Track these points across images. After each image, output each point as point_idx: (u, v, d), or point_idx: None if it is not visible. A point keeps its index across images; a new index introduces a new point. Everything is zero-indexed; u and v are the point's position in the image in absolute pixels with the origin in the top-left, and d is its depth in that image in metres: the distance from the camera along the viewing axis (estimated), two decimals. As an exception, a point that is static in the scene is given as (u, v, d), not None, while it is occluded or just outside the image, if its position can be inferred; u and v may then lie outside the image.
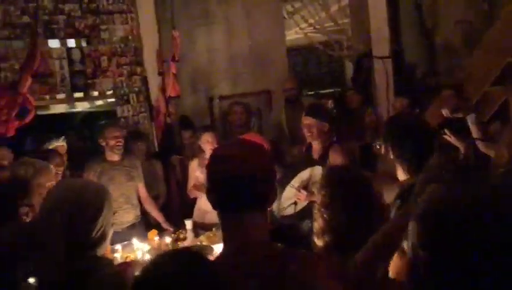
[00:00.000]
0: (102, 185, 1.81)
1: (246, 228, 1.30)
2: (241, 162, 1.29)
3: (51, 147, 3.81)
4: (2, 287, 0.80)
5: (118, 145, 3.91)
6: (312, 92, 8.61)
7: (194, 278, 1.08)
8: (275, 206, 3.34)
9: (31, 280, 1.14)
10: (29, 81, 3.60)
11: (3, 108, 3.36)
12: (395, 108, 4.12)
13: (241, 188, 1.27)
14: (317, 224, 1.79)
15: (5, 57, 4.43)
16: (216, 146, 4.10)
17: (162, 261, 1.15)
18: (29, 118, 3.65)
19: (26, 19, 4.51)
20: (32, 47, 3.74)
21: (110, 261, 1.78)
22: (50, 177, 2.71)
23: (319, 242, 1.78)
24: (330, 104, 6.83)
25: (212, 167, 1.36)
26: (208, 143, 4.09)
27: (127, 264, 2.78)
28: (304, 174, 3.36)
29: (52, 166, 2.92)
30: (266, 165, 1.34)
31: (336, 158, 3.50)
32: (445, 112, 2.51)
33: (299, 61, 9.17)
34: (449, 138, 3.10)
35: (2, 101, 3.37)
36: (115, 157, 3.95)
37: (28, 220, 1.93)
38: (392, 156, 2.17)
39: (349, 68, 7.51)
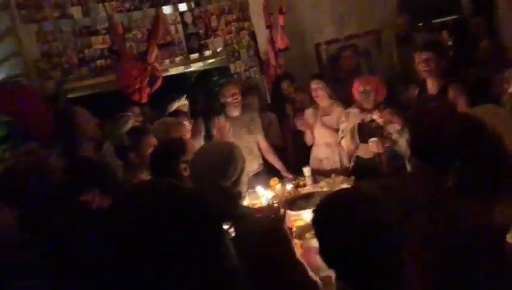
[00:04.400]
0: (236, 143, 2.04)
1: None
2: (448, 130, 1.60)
3: (174, 108, 4.18)
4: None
5: (235, 101, 4.16)
6: (422, 24, 8.02)
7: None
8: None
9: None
10: (156, 50, 3.94)
11: (136, 77, 3.75)
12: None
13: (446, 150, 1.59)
14: None
15: (127, 27, 4.79)
16: (326, 93, 4.17)
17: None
18: (158, 85, 4.02)
19: (142, -10, 4.83)
20: (156, 18, 4.03)
21: (251, 208, 2.06)
22: (185, 132, 3.05)
23: None
24: (445, 34, 6.37)
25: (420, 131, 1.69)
26: (315, 90, 4.17)
27: (262, 210, 3.06)
28: None
29: (186, 122, 3.27)
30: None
31: (456, 98, 3.38)
32: None
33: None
34: None
35: (134, 72, 3.76)
36: (235, 112, 4.21)
37: (186, 174, 2.23)
38: None
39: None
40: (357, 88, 3.80)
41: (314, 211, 1.36)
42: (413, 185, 1.66)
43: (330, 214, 1.30)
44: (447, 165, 1.62)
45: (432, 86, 3.50)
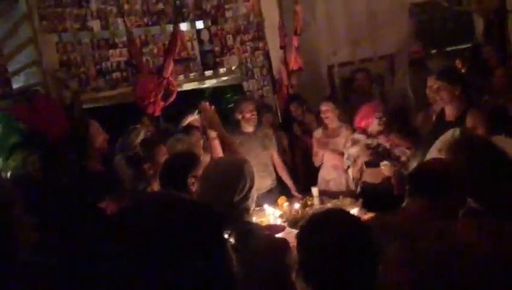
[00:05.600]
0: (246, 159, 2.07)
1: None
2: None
3: (187, 123, 4.22)
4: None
5: (253, 117, 4.21)
6: (436, 50, 8.06)
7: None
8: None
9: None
10: (172, 65, 4.02)
11: (151, 91, 3.82)
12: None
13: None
14: None
15: (145, 42, 4.88)
16: (335, 115, 4.21)
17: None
18: (172, 99, 4.09)
19: (161, 6, 4.94)
20: (174, 33, 4.13)
21: (259, 225, 2.08)
22: (200, 150, 3.10)
23: None
24: (458, 63, 6.39)
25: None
26: (324, 112, 4.22)
27: (273, 228, 3.08)
28: (447, 137, 3.34)
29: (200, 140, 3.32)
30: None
31: (474, 123, 3.37)
32: None
33: (422, 18, 8.61)
34: None
35: (150, 85, 3.83)
36: (250, 128, 4.25)
37: (193, 189, 2.27)
38: None
39: (479, 22, 6.91)
40: (373, 112, 3.85)
41: (299, 228, 1.40)
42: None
43: (310, 232, 1.33)
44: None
45: (450, 113, 3.50)
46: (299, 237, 1.37)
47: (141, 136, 3.09)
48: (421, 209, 1.71)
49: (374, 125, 3.87)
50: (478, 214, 1.75)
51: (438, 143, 3.31)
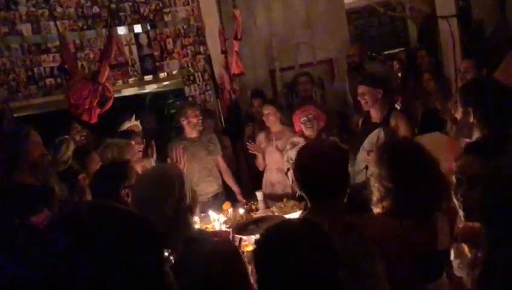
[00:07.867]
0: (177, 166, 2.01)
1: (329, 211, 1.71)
2: (325, 162, 1.71)
3: (124, 128, 4.09)
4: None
5: (200, 122, 4.17)
6: (374, 54, 8.35)
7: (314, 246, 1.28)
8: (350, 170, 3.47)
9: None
10: (108, 71, 3.88)
11: (86, 98, 3.67)
12: (461, 70, 4.01)
13: (327, 183, 1.70)
14: (375, 195, 1.87)
15: (80, 46, 4.70)
16: (277, 119, 4.24)
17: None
18: (109, 105, 3.95)
19: (95, 9, 4.77)
20: (109, 38, 4.00)
21: (205, 231, 2.03)
22: (134, 153, 2.98)
23: (376, 209, 1.89)
24: (395, 65, 6.66)
25: (302, 167, 1.80)
26: (266, 115, 4.24)
27: (218, 234, 3.02)
28: (373, 137, 3.44)
29: (133, 142, 3.20)
30: (343, 161, 1.78)
31: (397, 124, 3.50)
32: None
33: (359, 24, 8.93)
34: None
35: (85, 92, 3.68)
36: (194, 134, 4.20)
37: (129, 200, 2.16)
38: (472, 120, 2.20)
39: (412, 27, 7.24)
40: (299, 118, 3.91)
41: (256, 241, 1.36)
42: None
43: (270, 245, 1.30)
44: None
45: (375, 115, 3.63)
46: (261, 255, 1.31)
47: (72, 148, 2.93)
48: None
49: (303, 129, 3.93)
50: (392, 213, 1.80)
51: (366, 144, 3.44)
